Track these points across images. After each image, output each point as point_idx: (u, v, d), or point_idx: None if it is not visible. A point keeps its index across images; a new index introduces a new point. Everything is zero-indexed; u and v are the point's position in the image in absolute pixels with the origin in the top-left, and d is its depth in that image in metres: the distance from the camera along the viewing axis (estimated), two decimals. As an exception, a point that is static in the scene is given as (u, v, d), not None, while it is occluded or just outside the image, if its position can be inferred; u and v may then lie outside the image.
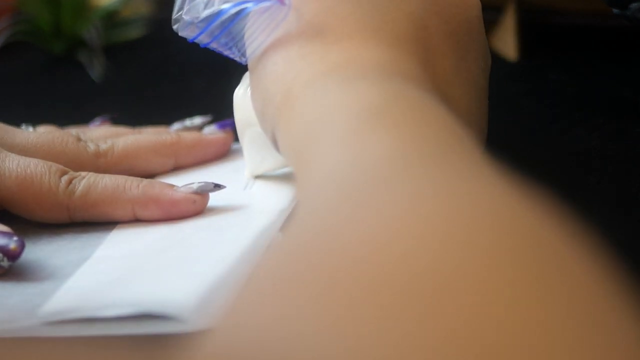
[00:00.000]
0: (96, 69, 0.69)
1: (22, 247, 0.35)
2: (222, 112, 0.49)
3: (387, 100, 0.29)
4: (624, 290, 0.19)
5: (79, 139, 0.43)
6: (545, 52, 0.62)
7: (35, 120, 0.48)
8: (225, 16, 0.35)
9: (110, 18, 0.77)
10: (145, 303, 0.31)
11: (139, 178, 0.40)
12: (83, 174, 0.40)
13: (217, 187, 0.39)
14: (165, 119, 0.50)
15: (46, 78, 0.71)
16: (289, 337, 0.17)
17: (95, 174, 0.40)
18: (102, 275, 0.34)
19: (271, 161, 0.42)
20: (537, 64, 0.61)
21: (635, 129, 0.47)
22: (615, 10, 0.49)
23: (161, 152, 0.45)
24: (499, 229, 0.20)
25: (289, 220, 0.37)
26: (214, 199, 0.40)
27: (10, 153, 0.40)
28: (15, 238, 0.35)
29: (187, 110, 0.51)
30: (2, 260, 0.34)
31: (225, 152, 0.46)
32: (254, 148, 0.42)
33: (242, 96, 0.41)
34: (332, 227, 0.21)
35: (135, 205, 0.39)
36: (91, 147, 0.43)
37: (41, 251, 0.36)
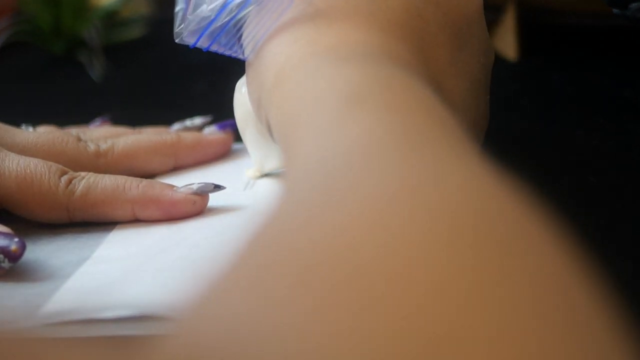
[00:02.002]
0: (96, 69, 0.69)
1: (23, 248, 0.35)
2: (222, 112, 0.49)
3: (373, 83, 0.28)
4: (593, 281, 0.18)
5: (79, 139, 0.43)
6: (545, 52, 0.62)
7: (35, 120, 0.48)
8: (232, 5, 0.35)
9: (110, 18, 0.77)
10: (145, 304, 0.31)
11: (138, 178, 0.40)
12: (83, 174, 0.40)
13: (217, 187, 0.39)
14: (165, 119, 0.50)
15: (46, 78, 0.71)
16: (260, 331, 0.17)
17: (95, 174, 0.40)
18: (102, 275, 0.34)
19: (275, 160, 0.42)
20: (537, 64, 0.61)
21: (635, 129, 0.47)
22: (615, 10, 0.49)
23: (161, 151, 0.45)
24: (461, 216, 0.19)
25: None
26: (214, 199, 0.40)
27: (10, 152, 0.40)
28: (16, 239, 0.35)
29: (187, 110, 0.51)
30: (3, 262, 0.34)
31: (225, 152, 0.46)
32: (256, 147, 0.42)
33: (241, 94, 0.41)
34: (301, 218, 0.21)
35: (135, 206, 0.39)
36: (91, 147, 0.43)
37: (41, 251, 0.36)
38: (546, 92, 0.55)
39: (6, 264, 0.34)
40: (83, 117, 0.51)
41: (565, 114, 0.50)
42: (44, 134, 0.43)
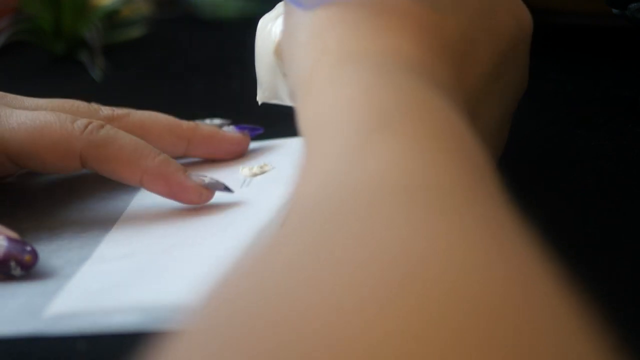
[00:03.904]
0: (96, 69, 0.69)
1: (36, 258, 0.35)
2: (222, 112, 0.49)
3: (405, 106, 0.26)
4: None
5: (92, 104, 0.43)
6: (545, 52, 0.62)
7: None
8: None
9: (111, 18, 0.77)
10: (147, 305, 0.31)
11: (158, 150, 0.39)
12: (102, 122, 0.39)
13: (226, 189, 0.39)
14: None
15: (47, 78, 0.71)
16: None
17: (116, 129, 0.39)
18: (104, 275, 0.35)
19: (284, 95, 0.40)
20: (537, 64, 0.60)
21: (635, 129, 0.47)
22: (615, 10, 0.49)
23: (176, 132, 0.44)
24: (472, 305, 0.16)
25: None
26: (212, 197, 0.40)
27: (16, 109, 0.39)
28: (28, 248, 0.35)
29: (187, 110, 0.51)
30: (15, 269, 0.34)
31: (239, 152, 0.46)
32: (269, 75, 0.40)
33: (267, 26, 0.39)
34: (290, 263, 0.18)
35: (145, 175, 0.38)
36: (104, 110, 0.42)
37: (42, 251, 0.36)
38: (546, 92, 0.55)
39: (18, 272, 0.34)
40: (83, 117, 0.51)
41: (565, 114, 0.50)
42: (54, 99, 0.43)
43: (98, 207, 0.41)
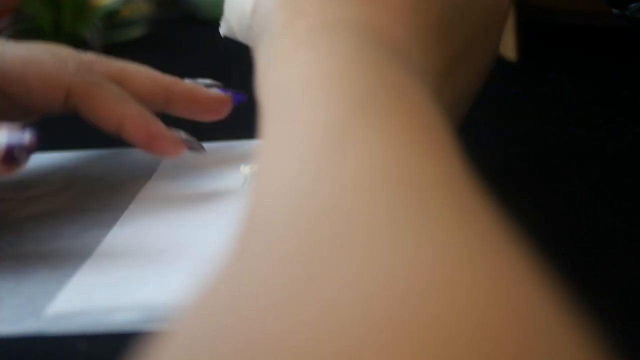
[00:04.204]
0: (96, 68, 0.69)
1: (35, 138, 0.35)
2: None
3: (383, 88, 0.23)
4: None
5: (75, 51, 0.44)
6: (545, 52, 0.62)
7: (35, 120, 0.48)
8: None
9: (111, 18, 0.77)
10: (147, 303, 0.31)
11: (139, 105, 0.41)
12: (95, 68, 0.40)
13: (201, 148, 0.42)
14: (166, 119, 0.50)
15: (46, 78, 0.71)
16: None
17: (105, 78, 0.40)
18: (105, 275, 0.35)
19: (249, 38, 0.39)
20: (537, 64, 0.61)
21: (635, 129, 0.47)
22: (615, 10, 0.49)
23: (158, 81, 0.44)
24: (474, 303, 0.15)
25: None
26: (213, 197, 0.40)
27: (14, 45, 0.40)
28: (26, 133, 0.35)
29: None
30: (21, 155, 0.35)
31: (219, 112, 0.45)
32: (238, 24, 0.38)
33: None
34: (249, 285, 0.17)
35: (125, 120, 0.40)
36: (87, 56, 0.43)
37: (43, 251, 0.36)
38: (546, 92, 0.55)
39: (24, 157, 0.35)
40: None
41: (565, 114, 0.50)
42: (42, 45, 0.43)
43: (99, 207, 0.42)
